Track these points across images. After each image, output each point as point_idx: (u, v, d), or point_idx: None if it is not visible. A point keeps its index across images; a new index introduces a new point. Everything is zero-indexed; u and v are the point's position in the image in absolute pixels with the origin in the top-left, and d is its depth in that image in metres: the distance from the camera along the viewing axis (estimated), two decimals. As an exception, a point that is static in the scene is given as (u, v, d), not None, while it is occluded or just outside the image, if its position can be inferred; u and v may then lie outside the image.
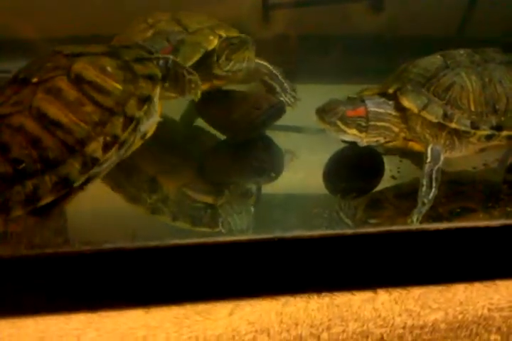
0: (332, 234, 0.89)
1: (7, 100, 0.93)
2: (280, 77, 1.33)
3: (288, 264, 0.88)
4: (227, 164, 1.21)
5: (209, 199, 1.07)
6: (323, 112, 1.06)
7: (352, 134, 1.07)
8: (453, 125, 1.02)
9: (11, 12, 1.47)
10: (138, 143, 0.99)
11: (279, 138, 1.28)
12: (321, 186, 1.13)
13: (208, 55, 1.20)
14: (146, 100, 0.95)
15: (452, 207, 1.03)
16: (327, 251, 0.89)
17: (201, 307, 0.84)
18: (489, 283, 0.90)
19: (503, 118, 1.05)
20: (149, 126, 0.99)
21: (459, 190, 1.10)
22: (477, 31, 1.65)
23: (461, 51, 1.10)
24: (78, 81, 0.92)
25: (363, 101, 1.07)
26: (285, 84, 1.33)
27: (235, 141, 1.25)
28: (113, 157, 0.94)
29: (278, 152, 1.28)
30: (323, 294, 0.87)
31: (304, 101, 1.36)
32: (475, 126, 1.03)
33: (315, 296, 0.87)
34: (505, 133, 1.05)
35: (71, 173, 0.89)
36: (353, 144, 1.13)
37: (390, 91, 1.06)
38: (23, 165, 0.89)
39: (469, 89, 1.05)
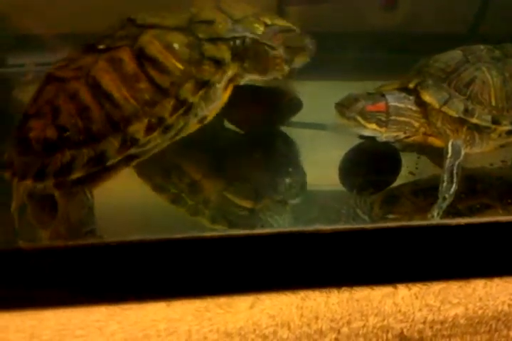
0: (352, 228, 0.89)
1: (70, 64, 0.92)
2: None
3: (308, 258, 0.88)
4: (251, 163, 1.19)
5: (248, 203, 1.05)
6: (343, 107, 1.05)
7: (372, 129, 1.06)
8: (474, 120, 1.02)
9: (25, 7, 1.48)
10: (194, 127, 0.96)
11: (296, 134, 1.28)
12: (338, 182, 1.13)
13: None
14: (203, 85, 0.91)
15: (471, 203, 1.03)
16: (346, 246, 0.88)
17: (222, 300, 0.84)
18: (509, 279, 0.90)
19: (524, 114, 1.05)
20: (209, 110, 0.95)
21: (477, 186, 1.10)
22: (491, 28, 1.64)
23: (481, 46, 1.09)
24: (140, 54, 0.90)
25: (383, 96, 1.06)
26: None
27: (252, 135, 1.25)
28: (157, 139, 0.91)
29: (296, 148, 1.28)
30: (343, 288, 0.87)
31: (319, 97, 1.35)
32: (496, 121, 1.03)
33: (335, 291, 0.87)
34: (526, 128, 1.05)
35: (108, 150, 0.88)
36: (370, 140, 1.13)
37: (411, 86, 1.05)
38: (68, 133, 0.87)
39: (490, 84, 1.04)
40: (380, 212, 1.04)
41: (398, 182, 1.13)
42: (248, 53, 1.00)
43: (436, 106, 1.03)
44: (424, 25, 1.65)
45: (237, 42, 0.99)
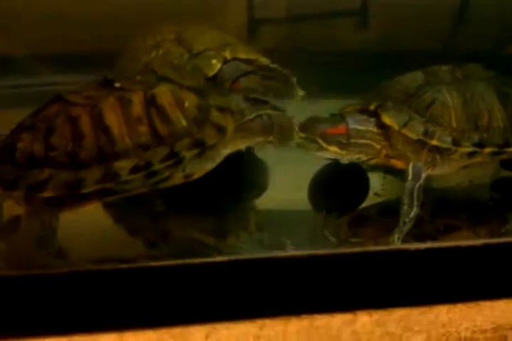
0: (310, 254, 0.87)
1: (85, 91, 0.95)
2: (279, 69, 1.23)
3: (266, 285, 0.86)
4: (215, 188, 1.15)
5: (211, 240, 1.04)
6: (304, 130, 1.04)
7: (333, 151, 1.05)
8: (434, 142, 1.01)
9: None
10: (178, 181, 0.97)
11: (263, 153, 1.26)
12: (305, 202, 1.12)
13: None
14: (200, 145, 0.93)
15: (436, 225, 1.02)
16: (305, 272, 0.87)
17: (176, 330, 0.81)
18: (472, 304, 0.88)
19: (485, 135, 1.03)
20: (198, 170, 0.97)
21: (443, 207, 1.09)
22: (464, 47, 1.65)
23: (443, 67, 1.08)
24: (151, 101, 0.92)
25: (344, 118, 1.05)
26: (286, 75, 1.24)
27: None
28: (138, 182, 0.92)
29: (262, 168, 1.26)
30: (303, 316, 0.85)
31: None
32: (456, 143, 1.02)
33: (294, 318, 0.85)
34: (487, 150, 1.03)
35: (88, 178, 0.88)
36: (337, 161, 1.12)
37: (371, 107, 1.04)
38: (55, 152, 0.89)
39: (450, 106, 1.03)
40: (344, 236, 1.02)
41: (364, 203, 1.12)
42: (274, 127, 1.03)
43: (396, 128, 1.02)
44: (399, 43, 1.65)
45: (264, 118, 1.02)
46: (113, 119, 0.91)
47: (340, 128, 1.03)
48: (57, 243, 0.92)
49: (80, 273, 0.81)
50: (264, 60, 1.26)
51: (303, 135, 1.04)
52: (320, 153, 1.06)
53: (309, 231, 1.05)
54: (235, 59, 1.20)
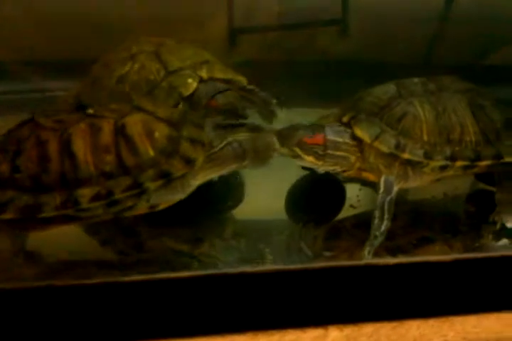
0: (281, 269, 0.86)
1: (56, 115, 0.96)
2: (256, 90, 1.26)
3: (235, 300, 0.85)
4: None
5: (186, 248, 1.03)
6: (282, 137, 1.02)
7: (309, 161, 1.04)
8: (405, 155, 1.00)
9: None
10: (142, 210, 0.97)
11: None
12: (281, 214, 1.11)
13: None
14: (165, 176, 0.93)
15: (409, 238, 1.01)
16: (276, 287, 0.86)
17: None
18: (443, 319, 0.88)
19: (457, 148, 1.02)
20: (164, 200, 0.97)
21: (417, 220, 1.08)
22: (444, 58, 1.65)
23: (416, 80, 1.07)
24: (121, 131, 0.93)
25: (322, 128, 1.04)
26: (263, 97, 1.26)
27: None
28: (99, 210, 0.92)
29: (238, 179, 1.25)
30: (272, 332, 0.84)
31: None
32: (428, 156, 1.00)
33: (263, 334, 0.84)
34: (459, 163, 1.02)
35: (47, 204, 0.89)
36: (313, 171, 1.11)
37: (345, 119, 1.04)
38: (19, 175, 0.90)
39: (422, 119, 1.02)
40: (318, 249, 1.01)
41: (340, 215, 1.11)
42: (247, 152, 1.02)
43: (368, 141, 1.01)
44: (379, 54, 1.65)
45: (234, 144, 1.01)
46: (80, 146, 0.91)
47: (317, 138, 1.02)
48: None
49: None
50: (241, 80, 1.26)
51: (281, 141, 1.02)
52: (297, 161, 1.05)
53: (285, 243, 1.05)
54: (211, 78, 1.20)
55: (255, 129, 1.04)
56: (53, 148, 0.91)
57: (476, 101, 1.07)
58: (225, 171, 1.03)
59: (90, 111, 0.95)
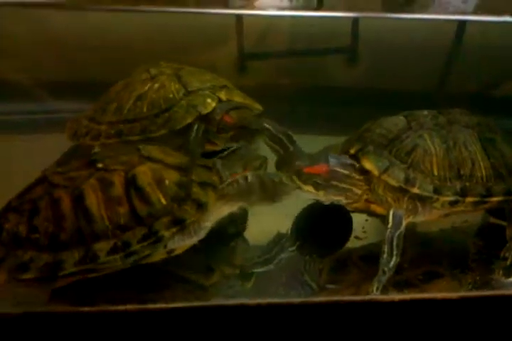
0: (282, 302, 0.84)
1: (67, 172, 0.97)
2: (285, 141, 1.21)
3: (236, 333, 0.84)
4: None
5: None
6: (281, 164, 1.01)
7: (307, 191, 1.01)
8: (415, 190, 0.98)
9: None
10: (160, 257, 0.97)
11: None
12: (286, 244, 1.09)
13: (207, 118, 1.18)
14: (179, 222, 0.94)
15: (416, 272, 0.99)
16: (277, 320, 0.84)
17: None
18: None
19: (467, 184, 1.00)
20: (180, 245, 0.97)
21: (424, 253, 1.06)
22: (455, 86, 1.64)
23: (426, 112, 1.06)
24: (131, 182, 0.94)
25: (326, 158, 1.01)
26: (291, 149, 1.21)
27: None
28: (118, 261, 0.92)
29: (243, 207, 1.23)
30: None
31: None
32: (438, 191, 0.98)
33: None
34: (469, 199, 1.00)
35: (66, 261, 0.90)
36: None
37: (352, 151, 1.02)
38: (37, 235, 0.92)
39: (432, 153, 1.00)
40: (322, 282, 0.99)
41: (345, 247, 1.09)
42: (254, 188, 1.03)
43: (376, 174, 0.99)
44: (387, 82, 1.65)
45: (240, 181, 1.02)
46: (93, 201, 0.93)
47: (318, 168, 1.00)
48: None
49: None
50: (258, 107, 1.26)
51: (280, 170, 1.01)
52: (299, 190, 1.02)
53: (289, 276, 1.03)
54: (229, 100, 1.21)
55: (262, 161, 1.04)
56: (67, 205, 0.92)
57: (486, 135, 1.05)
58: (234, 208, 1.03)
59: (100, 165, 0.96)
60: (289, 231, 1.12)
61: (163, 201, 0.94)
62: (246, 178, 1.02)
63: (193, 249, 1.03)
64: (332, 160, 1.01)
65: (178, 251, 0.98)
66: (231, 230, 1.13)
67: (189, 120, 1.16)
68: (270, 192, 1.03)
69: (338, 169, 1.00)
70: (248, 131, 1.17)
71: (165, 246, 0.95)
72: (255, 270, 1.03)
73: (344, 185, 1.01)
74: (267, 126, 1.20)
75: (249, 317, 0.83)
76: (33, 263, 0.90)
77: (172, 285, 0.98)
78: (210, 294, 0.95)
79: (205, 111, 1.17)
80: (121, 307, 0.84)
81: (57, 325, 0.82)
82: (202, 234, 0.99)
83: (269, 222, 1.15)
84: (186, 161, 1.01)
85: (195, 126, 1.18)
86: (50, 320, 0.82)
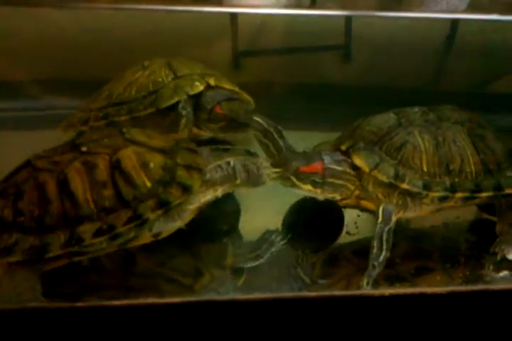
0: (270, 297, 0.85)
1: (51, 156, 0.97)
2: (276, 135, 1.21)
3: (229, 328, 0.84)
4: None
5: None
6: (277, 166, 1.02)
7: (307, 190, 1.03)
8: (404, 186, 0.99)
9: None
10: (146, 240, 0.98)
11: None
12: (278, 239, 1.10)
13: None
14: (164, 205, 0.94)
15: (407, 267, 1.00)
16: (269, 315, 0.85)
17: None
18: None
19: (457, 180, 1.01)
20: (166, 228, 0.98)
21: (416, 248, 1.07)
22: (446, 85, 1.65)
23: (416, 109, 1.06)
24: (115, 165, 0.95)
25: (320, 156, 1.03)
26: (280, 143, 1.21)
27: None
28: (103, 244, 0.93)
29: (234, 203, 1.24)
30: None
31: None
32: (427, 187, 0.99)
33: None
34: (459, 194, 1.01)
35: (52, 244, 0.91)
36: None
37: (343, 148, 1.03)
38: (22, 218, 0.92)
39: (422, 149, 1.01)
40: (314, 276, 1.00)
41: (339, 241, 1.10)
42: (239, 172, 1.03)
43: (367, 170, 1.00)
44: (380, 79, 1.66)
45: (224, 166, 1.03)
46: (78, 184, 0.93)
47: (315, 166, 1.01)
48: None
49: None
50: (247, 98, 1.27)
51: (277, 170, 1.02)
52: (295, 190, 1.04)
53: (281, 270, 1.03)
54: (218, 87, 1.22)
55: (248, 154, 1.05)
56: (52, 188, 0.93)
57: (476, 132, 1.06)
58: (218, 193, 1.03)
59: (84, 148, 0.96)
60: (281, 227, 1.12)
61: (148, 184, 0.95)
62: (229, 163, 1.03)
63: (185, 244, 1.05)
64: (326, 158, 1.02)
65: (164, 235, 0.98)
66: (223, 227, 1.15)
67: (176, 99, 1.17)
68: (253, 177, 1.04)
69: (333, 166, 1.02)
70: (237, 124, 1.18)
71: (150, 230, 0.96)
72: (247, 265, 1.03)
73: (340, 182, 1.02)
74: (258, 119, 1.20)
75: (241, 313, 0.84)
76: (18, 246, 0.91)
77: (162, 281, 0.98)
78: (202, 290, 0.96)
79: (191, 92, 1.18)
80: (116, 303, 0.85)
81: (51, 320, 0.83)
82: (185, 218, 0.99)
83: (260, 218, 1.16)
84: (171, 144, 1.01)
85: (183, 103, 1.18)
86: (44, 316, 0.83)
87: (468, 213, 1.17)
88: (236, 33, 1.63)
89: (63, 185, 0.93)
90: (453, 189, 1.01)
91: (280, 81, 1.66)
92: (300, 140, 1.24)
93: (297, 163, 1.01)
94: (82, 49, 1.57)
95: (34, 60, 1.56)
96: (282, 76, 1.67)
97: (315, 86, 1.65)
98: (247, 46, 1.68)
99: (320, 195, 1.04)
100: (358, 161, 1.01)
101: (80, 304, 0.82)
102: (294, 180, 1.01)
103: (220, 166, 1.02)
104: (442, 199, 1.01)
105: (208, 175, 1.00)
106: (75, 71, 1.58)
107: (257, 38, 1.67)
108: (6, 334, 0.82)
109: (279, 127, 1.21)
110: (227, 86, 1.24)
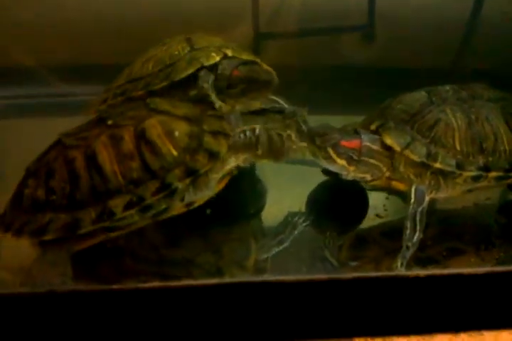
0: (306, 279, 0.84)
1: (79, 133, 0.98)
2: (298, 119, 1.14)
3: (257, 312, 0.84)
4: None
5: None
6: (316, 135, 0.99)
7: (341, 165, 0.99)
8: (437, 165, 0.97)
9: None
10: (180, 210, 0.97)
11: (261, 170, 1.23)
12: (302, 221, 1.09)
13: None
14: (192, 173, 0.93)
15: (439, 249, 0.98)
16: (299, 297, 0.84)
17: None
18: (475, 334, 0.85)
19: (490, 159, 0.99)
20: (197, 197, 0.97)
21: (447, 230, 1.05)
22: (471, 63, 1.62)
23: (447, 87, 1.04)
24: (141, 136, 0.94)
25: (358, 134, 1.00)
26: (303, 127, 1.12)
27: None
28: (135, 217, 0.93)
29: (260, 185, 1.23)
30: (298, 343, 0.83)
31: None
32: (461, 166, 0.97)
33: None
34: (493, 174, 0.99)
35: (84, 220, 0.91)
36: (335, 177, 1.07)
37: (373, 127, 1.01)
38: (54, 196, 0.92)
39: (455, 127, 0.99)
40: (344, 258, 0.99)
41: (366, 224, 1.09)
42: (261, 141, 1.02)
43: (398, 149, 0.98)
44: (404, 60, 1.63)
45: (248, 133, 1.01)
46: (105, 158, 0.93)
47: (355, 142, 0.99)
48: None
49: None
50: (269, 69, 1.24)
51: (315, 141, 0.99)
52: (325, 163, 1.01)
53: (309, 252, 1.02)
54: (236, 58, 1.18)
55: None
56: (80, 164, 0.93)
57: (509, 110, 1.04)
58: (240, 161, 1.02)
59: (109, 122, 0.96)
60: (304, 209, 1.11)
61: (174, 152, 0.94)
62: (254, 131, 1.01)
63: (210, 227, 1.04)
64: (364, 136, 1.00)
65: (197, 204, 0.98)
66: (250, 209, 1.14)
67: (190, 70, 1.14)
68: (276, 149, 1.02)
69: (370, 144, 0.99)
70: (259, 84, 1.15)
71: (182, 199, 0.95)
72: (275, 248, 1.03)
73: (373, 161, 0.99)
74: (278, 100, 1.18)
75: (273, 294, 0.84)
76: (51, 225, 0.91)
77: (187, 264, 0.98)
78: (233, 272, 0.95)
79: (206, 63, 1.14)
80: (149, 285, 0.84)
81: (84, 303, 0.83)
82: (212, 186, 0.98)
83: (286, 200, 1.15)
84: (196, 112, 1.00)
85: (203, 76, 1.15)
86: (77, 298, 0.83)
87: (498, 194, 1.15)
88: (257, 14, 1.61)
89: (91, 160, 0.93)
90: (486, 168, 0.99)
91: (302, 63, 1.64)
92: (323, 121, 1.22)
93: (338, 136, 0.98)
94: (105, 33, 1.56)
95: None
96: (303, 58, 1.65)
97: (338, 67, 1.63)
98: (267, 28, 1.66)
99: (351, 172, 1.01)
100: (388, 140, 0.98)
101: (115, 286, 0.81)
102: (331, 152, 0.98)
103: (244, 132, 1.00)
104: (476, 178, 0.99)
105: (230, 140, 0.98)
106: (100, 56, 1.58)
107: (277, 18, 1.65)
108: (38, 318, 0.82)
109: (302, 109, 1.20)
110: (246, 56, 1.20)
